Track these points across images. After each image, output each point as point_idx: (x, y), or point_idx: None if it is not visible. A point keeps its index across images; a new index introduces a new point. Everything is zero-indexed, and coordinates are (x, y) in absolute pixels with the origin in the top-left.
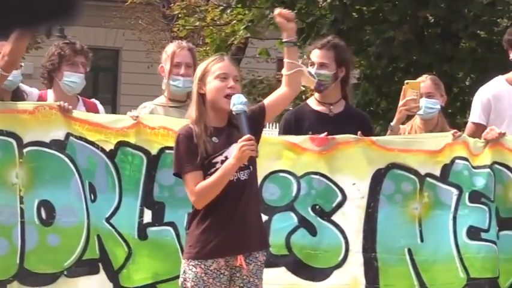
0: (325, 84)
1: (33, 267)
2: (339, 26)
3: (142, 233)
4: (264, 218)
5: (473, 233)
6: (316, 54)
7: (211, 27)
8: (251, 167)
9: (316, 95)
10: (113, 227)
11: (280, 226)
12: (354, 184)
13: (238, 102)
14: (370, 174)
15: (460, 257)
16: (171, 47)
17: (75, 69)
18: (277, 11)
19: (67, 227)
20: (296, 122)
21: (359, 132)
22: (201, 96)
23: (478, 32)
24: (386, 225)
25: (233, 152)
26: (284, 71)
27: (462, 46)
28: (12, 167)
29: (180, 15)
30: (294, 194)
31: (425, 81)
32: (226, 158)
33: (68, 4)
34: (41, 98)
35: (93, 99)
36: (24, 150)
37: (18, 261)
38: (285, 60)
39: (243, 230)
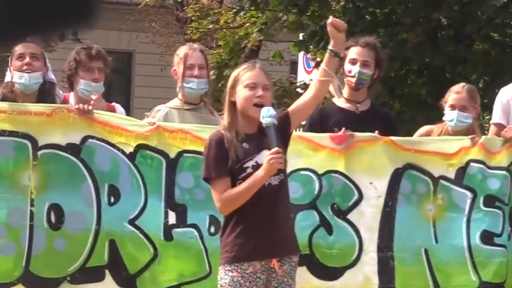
0: (365, 83)
1: (38, 271)
2: (352, 28)
3: (167, 234)
4: None
5: (487, 237)
6: (359, 52)
7: (224, 30)
8: (282, 174)
9: (345, 92)
10: (138, 228)
11: (303, 225)
12: (371, 183)
13: (267, 115)
14: (389, 173)
15: (473, 260)
16: (182, 50)
17: (90, 75)
18: (330, 19)
19: (74, 232)
20: (322, 120)
21: (376, 132)
22: (232, 104)
23: (491, 34)
24: (404, 224)
25: (263, 158)
26: (317, 76)
27: (475, 48)
28: (26, 169)
29: (193, 18)
30: (316, 192)
31: (461, 92)
32: (257, 163)
33: (87, 9)
34: (65, 100)
35: (113, 103)
36: (39, 153)
37: (24, 264)
38: (323, 66)
39: (277, 234)
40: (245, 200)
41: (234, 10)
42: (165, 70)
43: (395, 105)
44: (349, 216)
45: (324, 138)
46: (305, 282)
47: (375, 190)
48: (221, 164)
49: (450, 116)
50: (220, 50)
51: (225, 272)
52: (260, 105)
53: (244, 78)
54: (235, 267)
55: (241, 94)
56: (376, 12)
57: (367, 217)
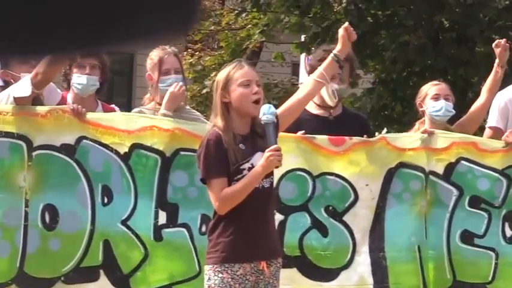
0: (342, 98)
1: (32, 271)
2: (354, 30)
3: (157, 235)
4: (280, 217)
5: (467, 237)
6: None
7: (226, 31)
8: (272, 177)
9: (316, 99)
10: (130, 228)
11: (294, 226)
12: (367, 185)
13: (268, 112)
14: (383, 174)
15: (450, 257)
16: (155, 53)
17: (82, 71)
18: (345, 24)
19: (69, 232)
20: (296, 128)
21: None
22: (225, 105)
23: (494, 36)
24: (395, 223)
25: (258, 160)
26: (314, 76)
27: (477, 51)
28: (21, 170)
29: None
30: (309, 194)
31: (440, 84)
32: (252, 165)
33: (187, 11)
34: (63, 98)
35: (112, 105)
36: (34, 154)
37: (18, 265)
38: (321, 69)
39: (267, 237)
40: (243, 197)
41: (236, 11)
42: None
43: (397, 107)
44: (344, 218)
45: (322, 140)
46: (296, 285)
47: (370, 192)
48: (220, 164)
49: (438, 105)
50: (222, 52)
51: (215, 272)
52: (258, 102)
53: (237, 76)
54: (226, 268)
55: (238, 93)
56: (379, 14)
57: (361, 218)
